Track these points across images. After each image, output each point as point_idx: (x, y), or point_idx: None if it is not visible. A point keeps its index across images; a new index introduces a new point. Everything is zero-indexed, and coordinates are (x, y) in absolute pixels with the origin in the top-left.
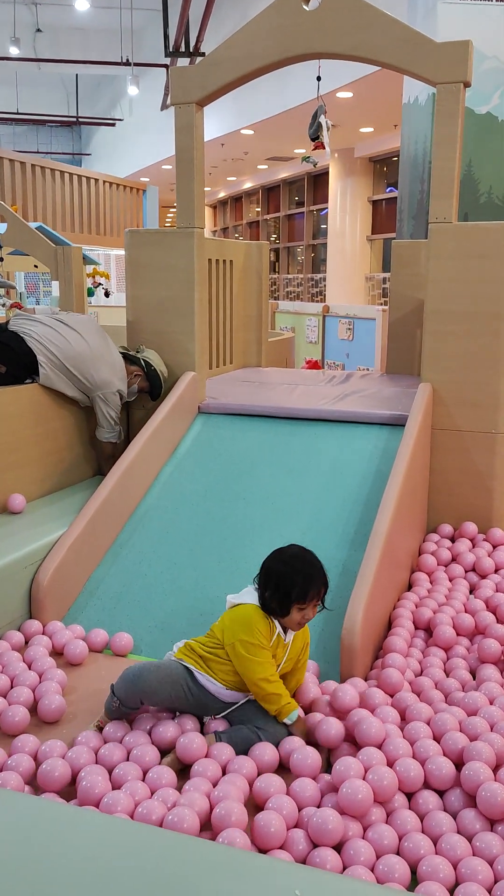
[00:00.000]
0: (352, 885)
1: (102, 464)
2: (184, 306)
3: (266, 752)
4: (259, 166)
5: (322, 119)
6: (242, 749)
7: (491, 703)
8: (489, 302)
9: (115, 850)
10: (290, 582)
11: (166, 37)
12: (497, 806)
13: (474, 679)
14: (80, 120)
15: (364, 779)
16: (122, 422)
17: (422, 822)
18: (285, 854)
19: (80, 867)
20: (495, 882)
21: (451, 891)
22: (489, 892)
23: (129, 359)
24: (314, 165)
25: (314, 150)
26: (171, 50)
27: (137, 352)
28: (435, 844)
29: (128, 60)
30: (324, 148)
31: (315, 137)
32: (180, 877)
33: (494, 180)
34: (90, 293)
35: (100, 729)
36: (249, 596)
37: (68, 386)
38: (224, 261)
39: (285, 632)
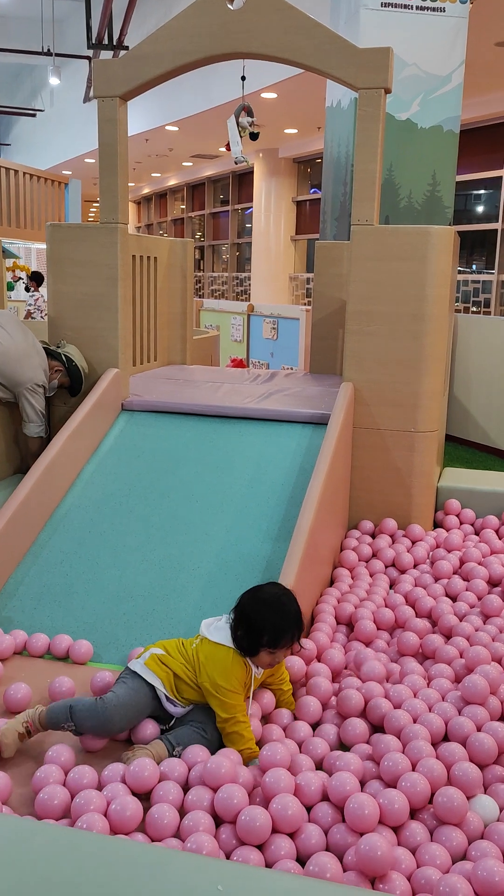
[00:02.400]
0: (273, 878)
1: (29, 461)
2: (107, 302)
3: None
4: (184, 163)
5: (239, 119)
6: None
7: (415, 696)
8: (409, 303)
9: (34, 853)
10: (261, 627)
11: (89, 28)
12: (417, 795)
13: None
14: None
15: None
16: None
17: (343, 811)
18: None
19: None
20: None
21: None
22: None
23: (49, 353)
24: (245, 164)
25: (227, 149)
26: (93, 42)
27: (58, 346)
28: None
29: (49, 50)
30: (229, 150)
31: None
32: (103, 877)
33: (414, 185)
34: (10, 287)
35: (28, 733)
36: (224, 633)
37: None
38: (148, 257)
39: (257, 666)
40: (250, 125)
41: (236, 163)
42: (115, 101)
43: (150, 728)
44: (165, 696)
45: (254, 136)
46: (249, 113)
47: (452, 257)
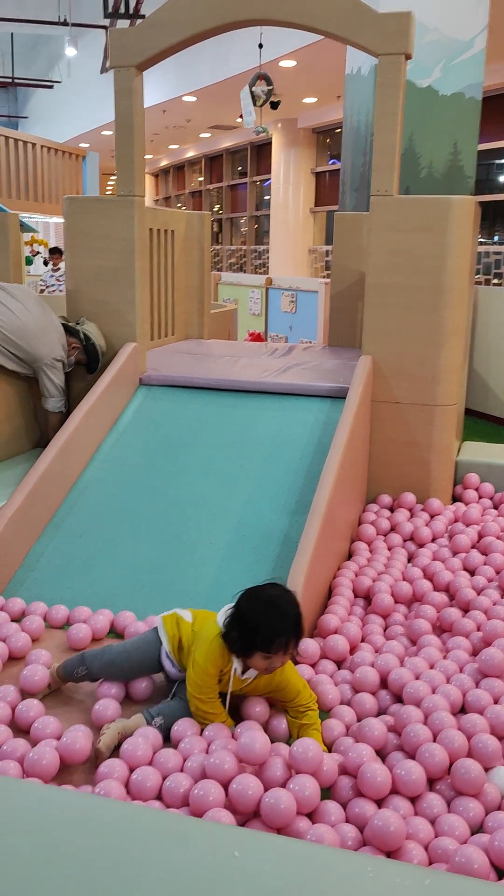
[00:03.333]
0: (288, 845)
1: (49, 435)
2: (124, 276)
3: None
4: (202, 135)
5: (254, 88)
6: (171, 722)
7: (431, 668)
8: (429, 275)
9: (54, 821)
10: (256, 629)
11: None
12: (435, 765)
13: (413, 645)
14: (15, 81)
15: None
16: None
17: (356, 778)
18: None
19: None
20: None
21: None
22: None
23: (68, 330)
24: (264, 133)
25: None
26: (110, 11)
27: (77, 324)
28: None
29: (65, 20)
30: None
31: (262, 105)
32: (120, 844)
33: (435, 155)
34: (28, 262)
35: (48, 686)
36: (222, 618)
37: (9, 359)
38: (165, 230)
39: (245, 669)
40: (265, 94)
41: (256, 133)
42: (131, 71)
43: (144, 684)
44: (166, 652)
45: (274, 105)
46: (268, 81)
47: (473, 228)
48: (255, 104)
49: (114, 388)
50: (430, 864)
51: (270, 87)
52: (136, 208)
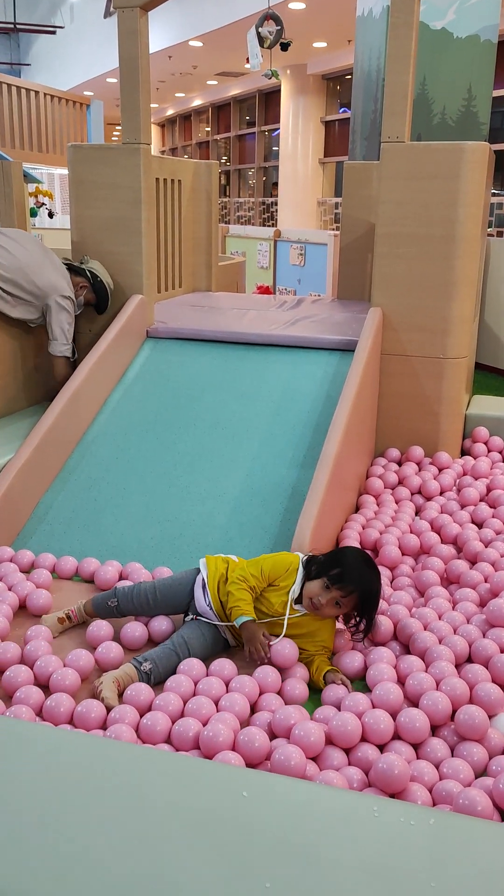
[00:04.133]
0: (295, 786)
1: (55, 384)
2: (131, 226)
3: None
4: (209, 82)
5: (260, 29)
6: (165, 668)
7: (440, 618)
8: (440, 225)
9: (68, 760)
10: (339, 563)
11: None
12: (439, 713)
13: (421, 596)
14: (17, 26)
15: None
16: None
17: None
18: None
19: (35, 776)
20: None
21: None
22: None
23: (73, 270)
24: (273, 78)
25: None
26: None
27: (81, 262)
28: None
29: None
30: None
31: (271, 46)
32: (133, 782)
33: (448, 100)
34: (33, 213)
35: (69, 618)
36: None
37: (14, 305)
38: (172, 180)
39: (297, 601)
40: (273, 35)
41: (266, 77)
42: (135, 12)
43: (165, 624)
44: (203, 581)
45: (284, 47)
46: (276, 21)
47: (487, 176)
48: (262, 46)
49: (121, 340)
50: (434, 805)
51: (279, 28)
52: (142, 156)
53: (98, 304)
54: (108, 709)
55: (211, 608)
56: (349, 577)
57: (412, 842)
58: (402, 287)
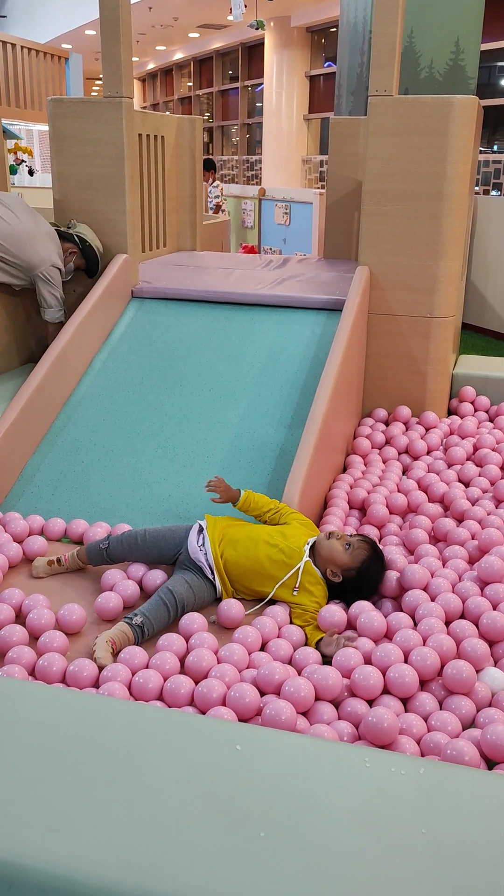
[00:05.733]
0: (287, 739)
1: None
2: (113, 183)
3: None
4: (190, 35)
5: None
6: (157, 619)
7: (432, 576)
8: (429, 181)
9: (61, 720)
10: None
11: None
12: (427, 668)
13: (411, 555)
14: None
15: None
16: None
17: (349, 680)
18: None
19: (30, 735)
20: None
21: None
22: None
23: (61, 235)
24: (260, 28)
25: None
26: None
27: (68, 227)
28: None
29: None
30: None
31: None
32: (126, 739)
33: (436, 54)
34: (13, 171)
35: (58, 562)
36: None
37: (1, 271)
38: (155, 136)
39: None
40: None
41: (251, 27)
42: None
43: (159, 578)
44: (202, 527)
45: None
46: None
47: (475, 131)
48: None
49: (105, 300)
50: (423, 757)
51: None
52: (124, 110)
53: (88, 268)
54: (101, 668)
55: (205, 553)
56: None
57: (403, 791)
58: (389, 245)
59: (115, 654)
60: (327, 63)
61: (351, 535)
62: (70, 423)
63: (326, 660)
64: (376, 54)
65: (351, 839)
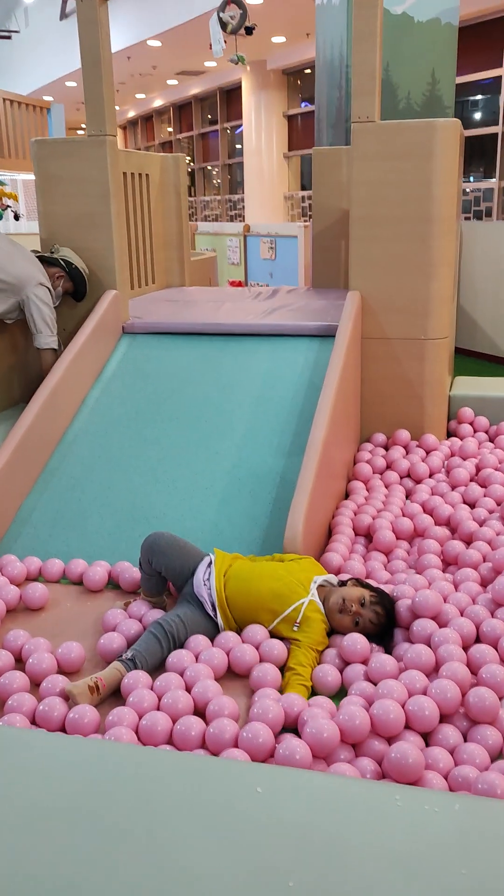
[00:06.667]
0: (312, 779)
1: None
2: (100, 221)
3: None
4: (169, 81)
5: (222, 14)
6: (151, 662)
7: (445, 601)
8: (416, 204)
9: (68, 765)
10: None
11: None
12: (447, 702)
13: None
14: None
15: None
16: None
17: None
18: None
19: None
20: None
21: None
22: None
23: (46, 261)
24: (241, 63)
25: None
26: None
27: (52, 252)
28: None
29: None
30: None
31: (234, 31)
32: (139, 785)
33: (412, 85)
34: None
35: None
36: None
37: None
38: (140, 174)
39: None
40: (234, 20)
41: (232, 62)
42: (94, 1)
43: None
44: (210, 561)
45: (249, 31)
46: (238, 4)
47: (459, 154)
48: (224, 31)
49: (96, 337)
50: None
51: (242, 12)
52: (108, 148)
53: (76, 291)
54: (74, 703)
55: (209, 589)
56: (358, 593)
57: (438, 829)
58: (379, 269)
59: (103, 695)
60: (304, 103)
61: (363, 604)
62: (65, 461)
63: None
64: (357, 82)
65: (387, 885)
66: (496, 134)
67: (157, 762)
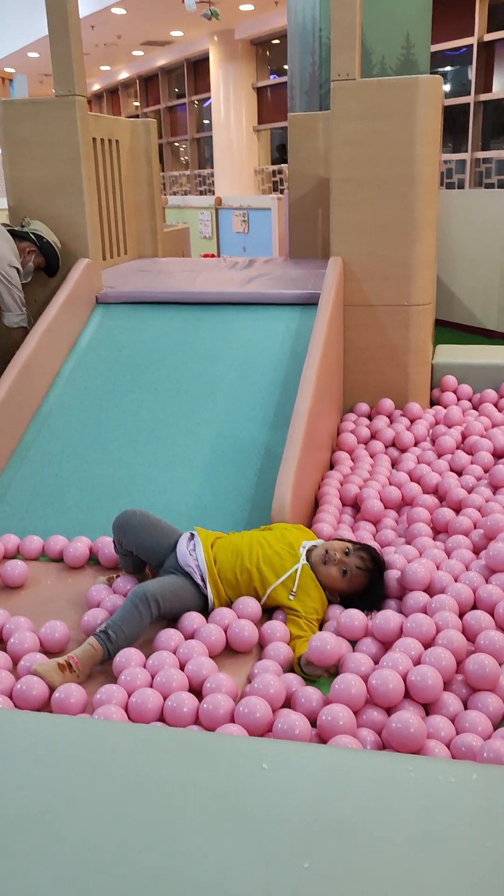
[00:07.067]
0: (318, 753)
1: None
2: (71, 186)
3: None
4: (134, 52)
5: None
6: (129, 632)
7: (438, 569)
8: (398, 165)
9: (60, 748)
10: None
11: None
12: (444, 669)
13: (410, 545)
14: None
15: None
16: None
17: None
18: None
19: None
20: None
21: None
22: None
23: (16, 235)
24: (215, 18)
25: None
26: None
27: (22, 226)
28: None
29: None
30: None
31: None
32: (137, 766)
33: (387, 49)
34: None
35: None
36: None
37: None
38: (109, 140)
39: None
40: None
41: (205, 17)
42: None
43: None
44: (192, 535)
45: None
46: None
47: (440, 114)
48: None
49: (69, 307)
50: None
51: None
52: (77, 109)
53: (48, 266)
54: (51, 687)
55: (196, 559)
56: (370, 550)
57: (458, 801)
58: (361, 234)
59: (81, 672)
60: (273, 76)
61: (347, 552)
62: (41, 435)
63: (308, 681)
64: (336, 37)
65: (408, 861)
66: (468, 104)
67: (153, 740)
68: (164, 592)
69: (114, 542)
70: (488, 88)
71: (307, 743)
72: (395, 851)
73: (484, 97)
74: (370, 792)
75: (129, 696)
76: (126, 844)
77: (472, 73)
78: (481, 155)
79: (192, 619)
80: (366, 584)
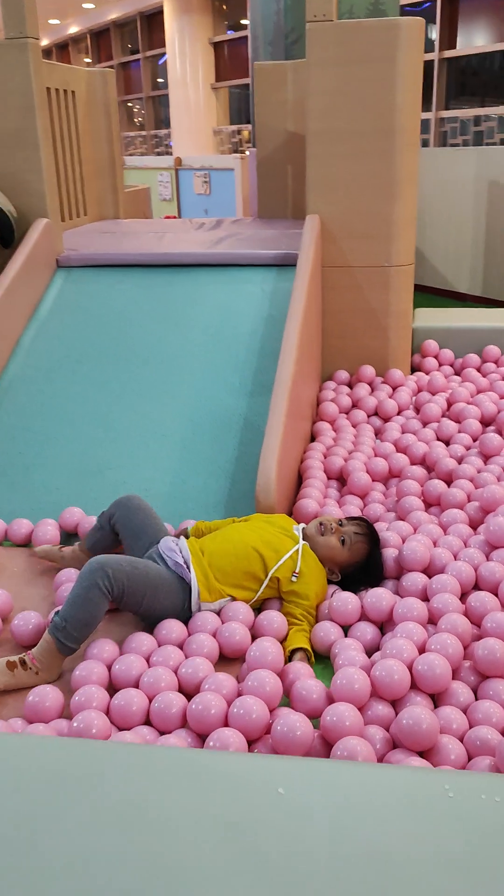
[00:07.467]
0: (339, 772)
1: None
2: (25, 138)
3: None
4: (84, 5)
5: None
6: (83, 613)
7: (435, 545)
8: (378, 115)
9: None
10: (366, 532)
11: None
12: (450, 656)
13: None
14: None
15: None
16: None
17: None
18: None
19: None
20: None
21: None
22: None
23: None
24: None
25: None
26: None
27: None
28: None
29: None
30: None
31: None
32: (132, 795)
33: None
34: None
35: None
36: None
37: None
38: (65, 91)
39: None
40: None
41: None
42: None
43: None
44: (180, 535)
45: None
46: None
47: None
48: None
49: (28, 271)
50: (470, 758)
51: None
52: (30, 52)
53: (2, 236)
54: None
55: (180, 547)
56: (361, 540)
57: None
58: (339, 190)
59: (44, 671)
60: (230, 31)
61: (341, 523)
62: (1, 410)
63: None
64: None
65: None
66: (432, 60)
67: (149, 762)
68: (126, 567)
69: (103, 514)
70: (452, 45)
71: (328, 760)
72: (434, 883)
73: (448, 54)
74: (404, 818)
75: (112, 696)
76: (119, 886)
77: (436, 30)
78: (446, 114)
79: (171, 627)
80: (366, 553)
